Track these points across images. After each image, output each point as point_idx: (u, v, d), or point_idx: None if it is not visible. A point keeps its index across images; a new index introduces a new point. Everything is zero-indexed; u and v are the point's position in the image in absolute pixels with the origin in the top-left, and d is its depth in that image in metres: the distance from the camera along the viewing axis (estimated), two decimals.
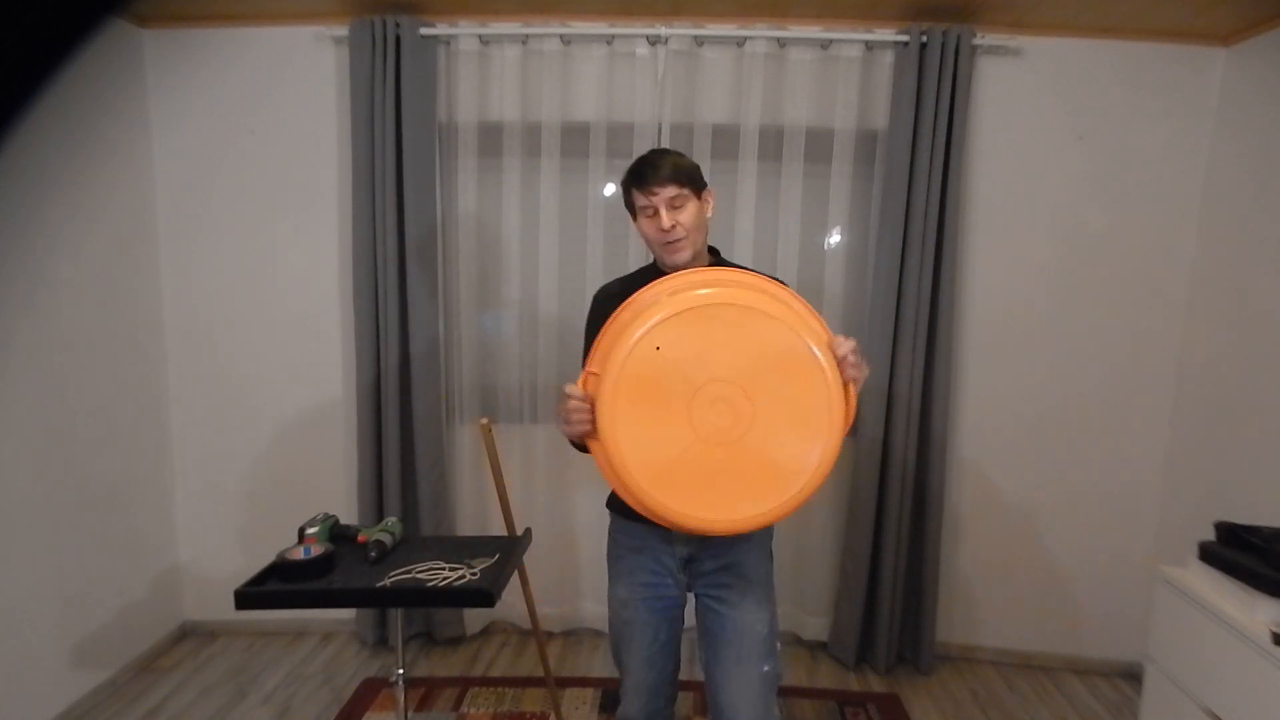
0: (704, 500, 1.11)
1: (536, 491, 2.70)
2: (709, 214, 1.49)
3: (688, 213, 1.42)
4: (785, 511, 1.10)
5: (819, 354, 1.08)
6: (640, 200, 1.43)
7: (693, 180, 1.44)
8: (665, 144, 2.50)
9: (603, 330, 1.24)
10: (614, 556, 1.59)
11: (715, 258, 1.55)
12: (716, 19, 2.44)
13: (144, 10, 2.47)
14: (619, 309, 1.25)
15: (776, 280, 1.30)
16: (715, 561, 1.49)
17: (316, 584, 1.61)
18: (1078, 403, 2.57)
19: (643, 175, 1.42)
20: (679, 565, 1.51)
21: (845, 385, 1.18)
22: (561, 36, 2.43)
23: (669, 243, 1.43)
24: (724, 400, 1.06)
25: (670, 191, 1.40)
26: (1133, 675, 2.52)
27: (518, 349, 2.63)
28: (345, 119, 2.51)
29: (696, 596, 1.54)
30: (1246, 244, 2.28)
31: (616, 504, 1.51)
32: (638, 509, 1.20)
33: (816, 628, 2.74)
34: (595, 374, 1.16)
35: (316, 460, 2.73)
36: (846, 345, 1.20)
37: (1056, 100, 2.45)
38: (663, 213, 1.41)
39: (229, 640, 2.76)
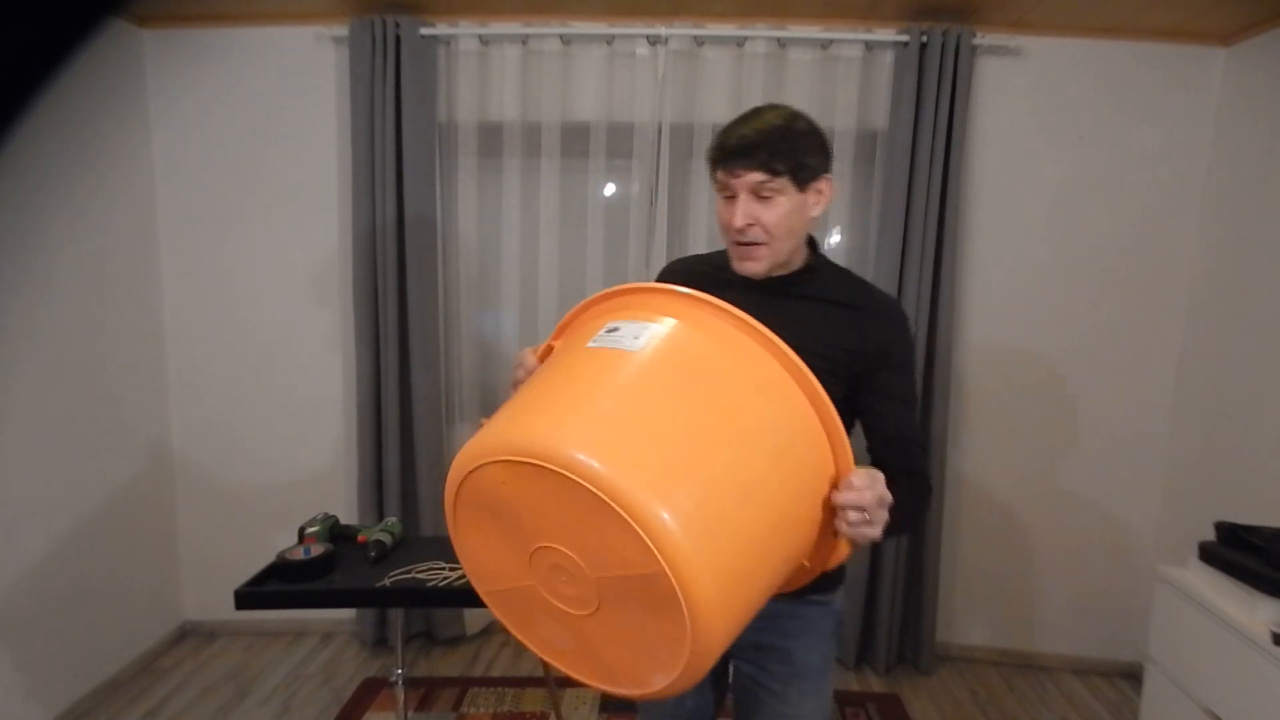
0: (539, 641, 0.86)
1: None
2: (816, 212, 1.07)
3: (777, 209, 1.02)
4: (627, 697, 0.83)
5: (692, 603, 0.69)
6: (719, 175, 1.05)
7: (797, 166, 1.01)
8: (665, 146, 2.49)
9: (561, 326, 0.95)
10: None
11: (814, 255, 1.15)
12: (716, 19, 2.44)
13: (144, 10, 2.47)
14: (557, 330, 0.95)
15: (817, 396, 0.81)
16: (757, 637, 1.17)
17: (316, 584, 1.61)
18: (1077, 403, 2.56)
19: (725, 149, 1.03)
20: None
21: (835, 537, 0.87)
22: (561, 36, 2.43)
23: (739, 244, 1.06)
24: (566, 572, 0.76)
25: (757, 178, 1.01)
26: (1133, 675, 2.52)
27: (517, 349, 2.63)
28: (345, 119, 2.51)
29: (734, 664, 1.26)
30: (1246, 244, 2.28)
31: None
32: None
33: None
34: (553, 346, 0.95)
35: (316, 460, 2.73)
36: (851, 496, 0.82)
37: (1056, 100, 2.45)
38: (740, 204, 1.02)
39: (229, 640, 2.76)
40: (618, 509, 0.68)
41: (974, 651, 2.72)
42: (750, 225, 1.03)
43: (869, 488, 0.83)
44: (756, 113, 1.05)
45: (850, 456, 0.84)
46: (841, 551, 0.88)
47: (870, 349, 1.07)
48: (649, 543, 0.68)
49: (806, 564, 0.88)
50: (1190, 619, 1.77)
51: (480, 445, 0.77)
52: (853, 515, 0.82)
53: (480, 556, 0.84)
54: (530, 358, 0.99)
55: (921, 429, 1.11)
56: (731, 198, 1.04)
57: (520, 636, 0.87)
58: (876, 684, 2.56)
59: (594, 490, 0.68)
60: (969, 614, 2.71)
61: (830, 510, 0.84)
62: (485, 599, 0.88)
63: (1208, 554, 1.78)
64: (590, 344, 0.83)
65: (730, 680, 1.28)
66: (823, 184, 1.06)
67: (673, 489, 0.70)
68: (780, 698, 1.18)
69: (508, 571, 0.81)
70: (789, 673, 1.18)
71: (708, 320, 0.82)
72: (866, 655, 2.65)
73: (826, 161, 1.06)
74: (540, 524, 0.75)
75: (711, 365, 0.80)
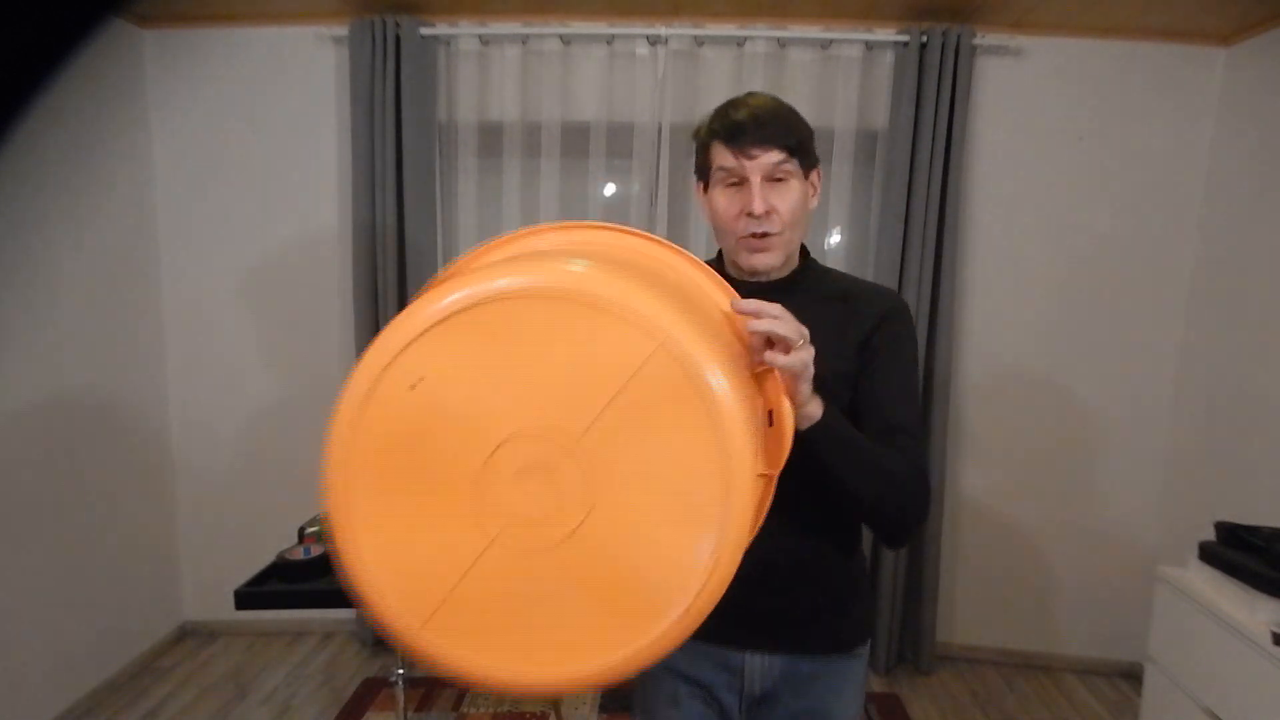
0: (516, 645, 0.61)
1: None
2: (813, 205, 1.00)
3: (791, 195, 0.94)
4: (661, 650, 0.60)
5: (710, 374, 0.57)
6: (724, 159, 0.93)
7: (805, 150, 0.95)
8: (665, 146, 2.49)
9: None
10: (649, 675, 1.08)
11: (806, 261, 1.04)
12: (716, 19, 2.44)
13: (144, 10, 2.47)
14: (442, 273, 0.79)
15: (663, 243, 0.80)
16: (796, 704, 1.04)
17: (316, 584, 1.61)
18: (1078, 402, 2.56)
19: (738, 126, 0.92)
20: (743, 706, 1.05)
21: (765, 382, 0.74)
22: (561, 36, 2.43)
23: (754, 235, 0.94)
24: (538, 470, 0.58)
25: (774, 157, 0.91)
26: (1133, 675, 2.52)
27: None
28: (345, 119, 2.51)
29: None
30: (1247, 244, 2.28)
31: None
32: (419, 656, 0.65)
33: None
34: None
35: (317, 460, 2.71)
36: (753, 307, 0.73)
37: (1056, 100, 2.45)
38: (755, 188, 0.91)
39: (229, 640, 2.76)
40: (591, 297, 0.57)
41: (974, 651, 2.72)
42: (770, 212, 0.93)
43: (760, 303, 0.74)
44: (752, 95, 0.97)
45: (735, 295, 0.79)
46: (785, 421, 0.74)
47: (865, 337, 0.98)
48: (638, 311, 0.56)
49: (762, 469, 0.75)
50: (1190, 619, 1.77)
51: (396, 332, 0.60)
52: (770, 325, 0.72)
53: (405, 556, 0.60)
54: None
55: (917, 424, 1.00)
56: (735, 184, 0.94)
57: (496, 672, 0.61)
58: (876, 684, 2.56)
59: (560, 295, 0.57)
60: (969, 614, 2.71)
61: (756, 378, 0.73)
62: (427, 636, 0.61)
63: (1208, 554, 1.78)
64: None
65: None
66: (816, 176, 0.99)
67: (624, 277, 0.61)
68: None
69: (451, 549, 0.60)
70: None
71: (559, 234, 0.81)
72: None
73: (816, 154, 0.99)
74: (490, 412, 0.59)
75: (590, 244, 0.78)
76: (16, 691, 2.10)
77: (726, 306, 0.75)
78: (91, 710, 2.31)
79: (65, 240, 2.25)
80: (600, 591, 0.60)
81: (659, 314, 0.57)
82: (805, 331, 0.75)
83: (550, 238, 0.79)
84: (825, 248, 2.58)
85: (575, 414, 0.58)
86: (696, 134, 0.99)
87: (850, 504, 0.91)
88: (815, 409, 0.80)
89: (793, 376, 0.74)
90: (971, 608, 2.70)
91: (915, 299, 2.42)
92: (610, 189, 2.60)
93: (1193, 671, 1.77)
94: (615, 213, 2.57)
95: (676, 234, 2.54)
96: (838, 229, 2.56)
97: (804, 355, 0.74)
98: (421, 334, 0.60)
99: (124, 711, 2.32)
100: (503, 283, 0.58)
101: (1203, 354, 2.43)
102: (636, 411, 0.58)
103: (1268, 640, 1.54)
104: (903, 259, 2.43)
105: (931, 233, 2.41)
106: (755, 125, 0.91)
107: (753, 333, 0.72)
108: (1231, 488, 2.27)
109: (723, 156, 0.93)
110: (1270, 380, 2.15)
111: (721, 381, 0.58)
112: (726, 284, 0.79)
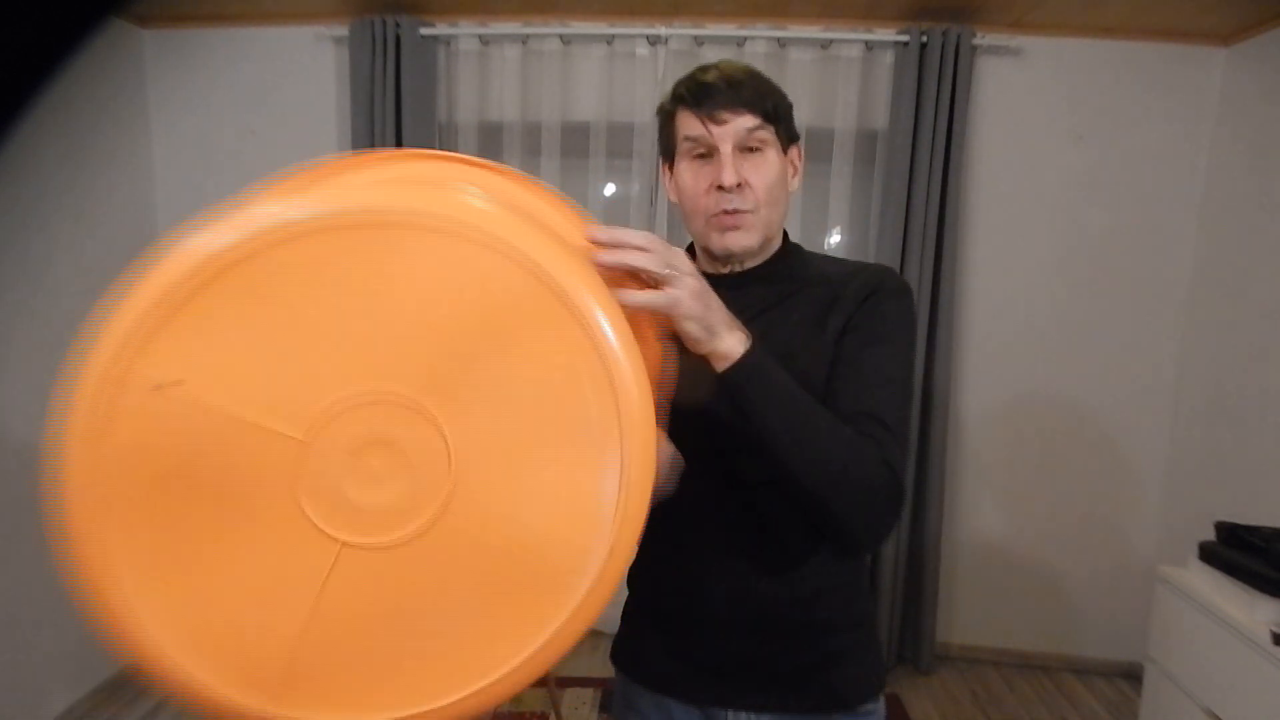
0: (401, 677, 0.46)
1: None
2: (794, 186, 0.89)
3: (767, 168, 0.82)
4: (576, 634, 0.46)
5: (581, 285, 0.46)
6: (691, 127, 0.82)
7: (783, 120, 0.84)
8: None
9: None
10: None
11: (787, 246, 0.92)
12: (716, 19, 2.44)
13: (144, 10, 2.47)
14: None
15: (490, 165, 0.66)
16: None
17: None
18: (1078, 403, 2.56)
19: (706, 88, 0.81)
20: None
21: (639, 322, 0.57)
22: (561, 36, 2.43)
23: (726, 212, 0.82)
24: (377, 446, 0.44)
25: (747, 123, 0.80)
26: (1133, 675, 2.51)
27: None
28: (345, 119, 2.51)
29: None
30: (1247, 244, 2.28)
31: (622, 654, 0.96)
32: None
33: None
34: None
35: None
36: (608, 236, 0.60)
37: (1056, 100, 2.45)
38: (726, 157, 0.80)
39: None
40: (408, 215, 0.44)
41: (974, 651, 2.72)
42: (742, 185, 0.81)
43: (620, 230, 0.62)
44: (722, 60, 0.86)
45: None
46: (657, 362, 0.61)
47: (846, 321, 0.84)
48: (471, 222, 0.43)
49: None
50: (1190, 619, 1.77)
51: (151, 298, 0.43)
52: (605, 256, 0.58)
53: (216, 613, 0.44)
54: None
55: (894, 415, 0.80)
56: (703, 155, 0.83)
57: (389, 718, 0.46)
58: None
59: (360, 222, 0.43)
60: (969, 614, 2.71)
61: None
62: (285, 710, 0.45)
63: (1208, 554, 1.78)
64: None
65: None
66: (795, 153, 0.89)
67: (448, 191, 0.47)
68: None
69: (282, 583, 0.44)
70: None
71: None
72: None
73: (795, 128, 0.88)
74: (296, 388, 0.44)
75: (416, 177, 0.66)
76: (17, 691, 2.10)
77: (581, 240, 0.60)
78: (91, 710, 2.31)
79: (65, 240, 2.25)
80: (488, 579, 0.45)
81: (499, 222, 0.44)
82: (681, 265, 0.62)
83: (364, 174, 0.64)
84: (825, 248, 2.58)
85: (411, 365, 0.44)
86: (660, 109, 0.87)
87: (790, 488, 0.73)
88: (733, 345, 0.65)
89: (669, 317, 0.62)
90: (971, 608, 2.70)
91: (915, 299, 2.42)
92: (610, 189, 2.60)
93: (1193, 671, 1.77)
94: (615, 212, 2.57)
95: (676, 234, 2.54)
96: (838, 229, 2.56)
97: (675, 292, 0.60)
98: (190, 296, 0.42)
99: (124, 711, 2.32)
100: (281, 217, 0.44)
101: (1203, 354, 2.43)
102: (491, 348, 0.44)
103: (1268, 640, 1.54)
104: (903, 259, 2.43)
105: (931, 233, 2.41)
106: (726, 86, 0.80)
107: (608, 267, 0.58)
108: (1231, 488, 2.27)
109: (689, 124, 0.82)
110: (1271, 380, 2.15)
111: (594, 290, 0.45)
112: (581, 212, 0.63)
